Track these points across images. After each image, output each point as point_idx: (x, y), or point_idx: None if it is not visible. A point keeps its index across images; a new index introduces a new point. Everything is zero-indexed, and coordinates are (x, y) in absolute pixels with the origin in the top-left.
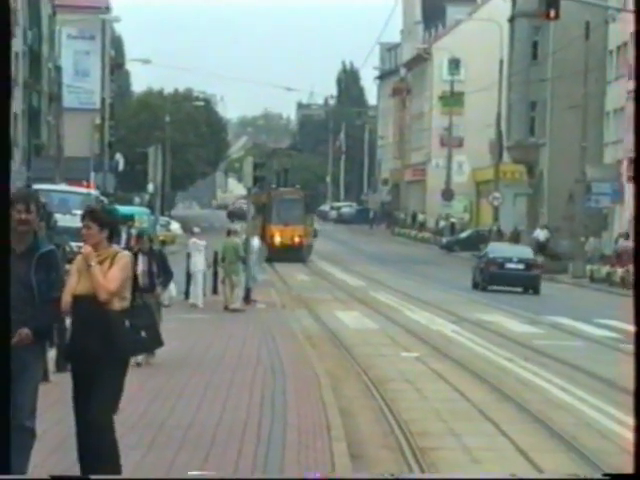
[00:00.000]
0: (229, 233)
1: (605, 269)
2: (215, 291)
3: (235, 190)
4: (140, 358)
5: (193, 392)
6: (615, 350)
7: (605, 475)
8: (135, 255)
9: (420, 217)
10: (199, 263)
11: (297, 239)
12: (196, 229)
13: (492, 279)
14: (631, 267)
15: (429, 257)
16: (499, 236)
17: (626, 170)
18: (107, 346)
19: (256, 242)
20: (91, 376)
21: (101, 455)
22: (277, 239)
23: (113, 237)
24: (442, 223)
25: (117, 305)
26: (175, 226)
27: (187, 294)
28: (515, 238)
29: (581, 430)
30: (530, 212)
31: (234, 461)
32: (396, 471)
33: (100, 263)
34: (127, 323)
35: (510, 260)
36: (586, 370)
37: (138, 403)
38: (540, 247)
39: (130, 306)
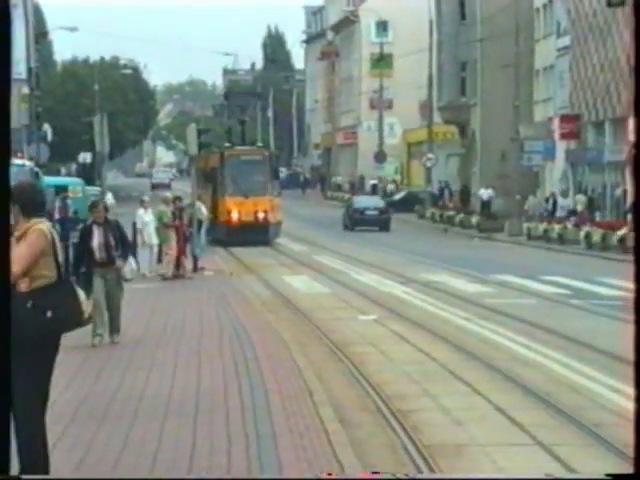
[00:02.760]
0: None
1: (542, 226)
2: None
3: (164, 158)
4: (98, 339)
5: (164, 362)
6: (567, 305)
7: (607, 475)
8: (90, 227)
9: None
10: (153, 235)
11: (262, 215)
12: (146, 198)
13: (357, 222)
14: (568, 225)
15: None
16: (434, 197)
17: (558, 127)
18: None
19: (203, 209)
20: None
21: (22, 447)
22: (234, 215)
23: (29, 211)
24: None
25: (23, 286)
26: (109, 196)
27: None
28: (465, 196)
29: (553, 386)
30: (462, 172)
31: (224, 429)
32: (383, 434)
33: (17, 240)
34: (30, 304)
35: (368, 208)
36: (544, 327)
37: (110, 376)
38: (483, 206)
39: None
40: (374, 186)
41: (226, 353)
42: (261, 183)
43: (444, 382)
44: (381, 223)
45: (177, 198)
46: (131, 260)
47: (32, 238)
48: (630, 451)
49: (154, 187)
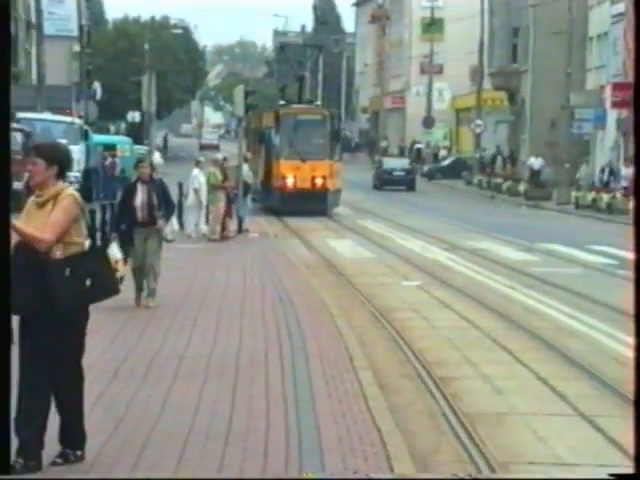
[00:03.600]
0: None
1: (591, 195)
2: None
3: (211, 119)
4: (144, 300)
5: (205, 324)
6: (613, 276)
7: (611, 475)
8: (134, 184)
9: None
10: (204, 195)
11: (320, 181)
12: (202, 158)
13: (385, 182)
14: (618, 194)
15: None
16: (483, 164)
17: (609, 95)
18: (44, 300)
19: (245, 169)
20: (33, 336)
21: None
22: (289, 181)
23: (63, 175)
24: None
25: (58, 253)
26: (156, 155)
27: (181, 225)
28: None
29: (597, 357)
30: (511, 139)
31: (263, 392)
32: (422, 401)
33: (43, 205)
34: (67, 272)
35: (395, 169)
36: (590, 297)
37: (152, 336)
38: (533, 174)
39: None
40: (419, 150)
41: (268, 316)
42: (320, 146)
43: (486, 350)
44: (408, 183)
45: (224, 159)
46: (174, 221)
47: (67, 204)
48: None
49: (202, 148)
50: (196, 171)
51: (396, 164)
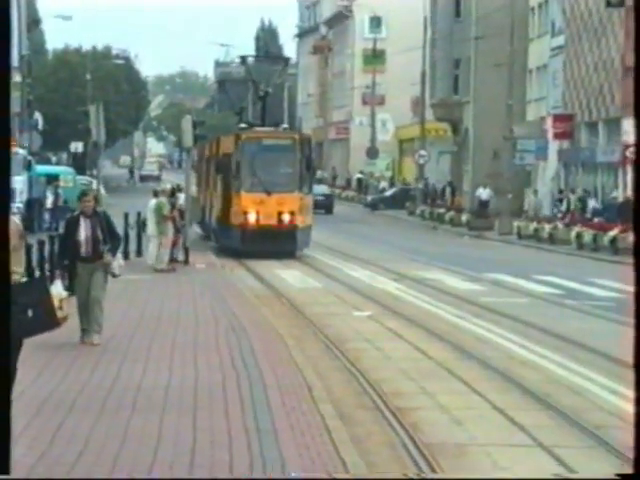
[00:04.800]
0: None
1: (533, 225)
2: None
3: (154, 149)
4: (88, 337)
5: (160, 355)
6: (560, 306)
7: (617, 475)
8: (77, 218)
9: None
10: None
11: (288, 217)
12: (159, 188)
13: None
14: (559, 224)
15: (355, 215)
16: (425, 194)
17: (550, 127)
18: None
19: (182, 198)
20: None
21: None
22: (252, 217)
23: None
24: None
25: None
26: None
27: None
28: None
29: (551, 387)
30: (454, 170)
31: (224, 424)
32: (382, 432)
33: None
34: None
35: (316, 194)
36: (539, 326)
37: (106, 369)
38: (482, 205)
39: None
40: (359, 180)
41: (222, 346)
42: (288, 175)
43: (441, 380)
44: (326, 206)
45: (178, 189)
46: (119, 255)
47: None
48: (632, 454)
49: (143, 179)
50: (154, 201)
51: (316, 190)
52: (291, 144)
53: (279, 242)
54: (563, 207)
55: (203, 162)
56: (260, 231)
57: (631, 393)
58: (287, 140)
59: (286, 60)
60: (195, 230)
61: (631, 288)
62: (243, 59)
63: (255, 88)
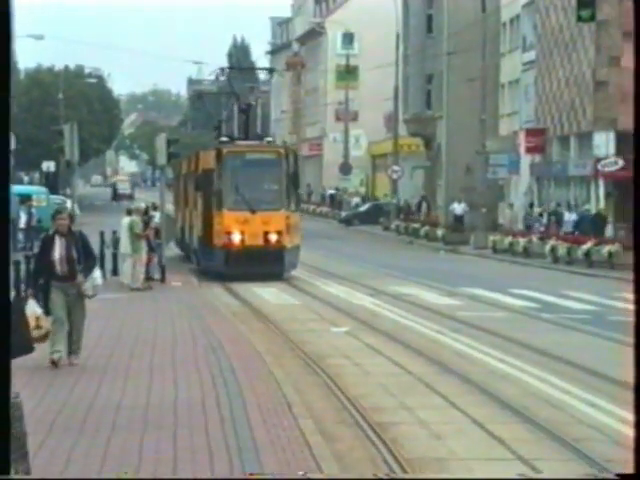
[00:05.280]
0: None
1: (508, 239)
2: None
3: (126, 168)
4: (58, 355)
5: (138, 373)
6: (537, 319)
7: (617, 475)
8: (52, 237)
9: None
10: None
11: (275, 237)
12: (132, 206)
13: None
14: (534, 238)
15: (330, 231)
16: (399, 209)
17: (523, 141)
18: None
19: (157, 216)
20: None
21: None
22: (236, 237)
23: None
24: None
25: None
26: (71, 205)
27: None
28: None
29: (530, 400)
30: (428, 185)
31: (205, 442)
32: (363, 447)
33: None
34: None
35: None
36: (517, 340)
37: (85, 389)
38: (457, 220)
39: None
40: (332, 196)
41: (201, 364)
42: (274, 192)
43: (421, 395)
44: None
45: (153, 207)
46: (96, 274)
47: None
48: (611, 466)
49: (115, 198)
50: (128, 219)
51: None
52: (276, 158)
53: (265, 264)
54: (544, 221)
55: (180, 179)
56: (245, 252)
57: (609, 406)
58: (272, 154)
59: (236, 95)
60: (174, 249)
61: (607, 301)
62: (222, 70)
63: (236, 100)
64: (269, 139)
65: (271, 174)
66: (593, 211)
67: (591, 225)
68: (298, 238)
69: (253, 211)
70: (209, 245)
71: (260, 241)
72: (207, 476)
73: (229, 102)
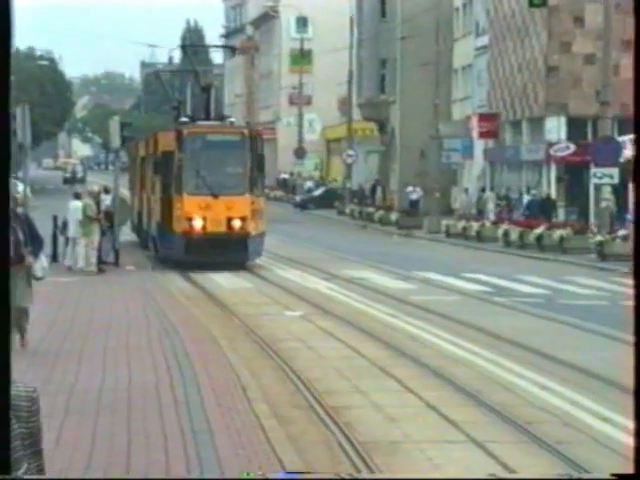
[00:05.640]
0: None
1: (461, 224)
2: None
3: (79, 151)
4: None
5: (92, 356)
6: (490, 303)
7: (617, 475)
8: None
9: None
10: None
11: (238, 223)
12: (80, 191)
13: None
14: (487, 222)
15: (285, 215)
16: (353, 193)
17: (476, 126)
18: None
19: (109, 199)
20: None
21: None
22: (197, 224)
23: None
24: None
25: None
26: (19, 188)
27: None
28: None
29: (483, 384)
30: (382, 169)
31: (159, 426)
32: (318, 431)
33: None
34: None
35: None
36: (470, 324)
37: (36, 373)
38: (412, 204)
39: None
40: (285, 180)
41: (155, 348)
42: (238, 176)
43: (375, 379)
44: None
45: (105, 191)
46: (43, 257)
47: None
48: (563, 449)
49: (66, 181)
50: (77, 203)
51: None
52: (240, 140)
53: (228, 252)
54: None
55: (137, 162)
56: (207, 240)
57: (559, 388)
58: (236, 135)
59: (195, 73)
60: (130, 234)
61: (558, 285)
62: (184, 48)
63: (195, 79)
64: (232, 120)
65: (234, 156)
66: (542, 195)
67: (540, 209)
68: (263, 225)
69: (215, 196)
70: (168, 232)
71: (223, 228)
72: (162, 461)
73: (187, 82)
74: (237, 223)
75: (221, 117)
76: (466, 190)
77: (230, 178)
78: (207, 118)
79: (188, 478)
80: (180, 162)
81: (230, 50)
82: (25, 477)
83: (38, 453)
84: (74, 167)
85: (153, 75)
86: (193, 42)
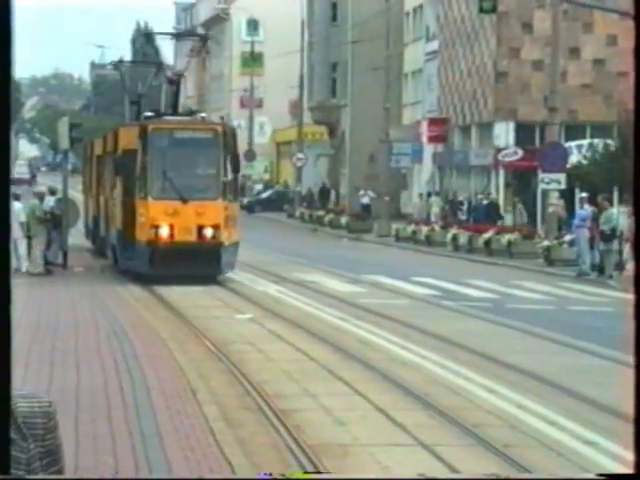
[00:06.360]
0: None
1: (410, 228)
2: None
3: (27, 152)
4: None
5: (40, 359)
6: (438, 307)
7: (600, 475)
8: None
9: None
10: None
11: (210, 231)
12: (19, 192)
13: None
14: (435, 227)
15: None
16: (302, 197)
17: (426, 130)
18: None
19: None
20: None
21: None
22: (163, 232)
23: None
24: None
25: None
26: None
27: None
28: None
29: (431, 387)
30: (332, 172)
31: (107, 428)
32: (267, 434)
33: None
34: None
35: None
36: (418, 327)
37: None
38: (364, 208)
39: None
40: None
41: (104, 351)
42: (210, 178)
43: (324, 382)
44: None
45: (51, 192)
46: None
47: None
48: (510, 452)
49: (13, 183)
50: (17, 204)
51: None
52: (212, 137)
53: (199, 264)
54: (465, 209)
55: (93, 162)
56: (174, 250)
57: (507, 391)
58: (207, 132)
59: (159, 65)
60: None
61: (506, 289)
62: (147, 37)
63: (160, 71)
64: (202, 115)
65: (206, 156)
66: (485, 201)
67: (484, 214)
68: (237, 233)
69: (185, 200)
70: (130, 241)
71: (193, 237)
72: (110, 463)
73: (146, 76)
74: (209, 232)
75: (190, 112)
76: (420, 195)
77: (201, 180)
78: (175, 113)
79: (190, 478)
80: (144, 162)
81: (200, 39)
82: (27, 477)
83: (59, 472)
84: (20, 168)
85: (112, 66)
86: (143, 43)
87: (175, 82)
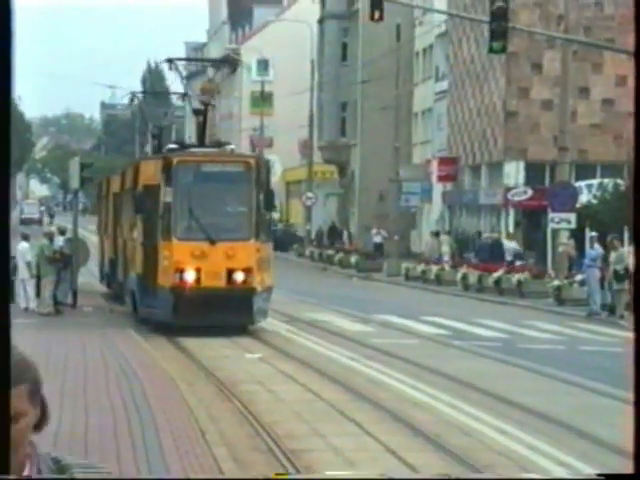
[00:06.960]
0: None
1: (420, 267)
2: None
3: (38, 191)
4: None
5: (48, 399)
6: (448, 346)
7: (600, 475)
8: None
9: None
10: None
11: (241, 276)
12: (27, 232)
13: None
14: (446, 266)
15: None
16: (315, 236)
17: (435, 169)
18: None
19: (61, 240)
20: None
21: None
22: (189, 276)
23: None
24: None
25: None
26: None
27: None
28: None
29: (441, 427)
30: (341, 212)
31: (116, 469)
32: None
33: None
34: None
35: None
36: (429, 367)
37: None
38: (376, 248)
39: None
40: None
41: (114, 391)
42: (241, 216)
43: (334, 422)
44: None
45: (60, 232)
46: None
47: None
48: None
49: (23, 222)
50: (25, 244)
51: None
52: (244, 171)
53: (228, 313)
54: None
55: (109, 200)
56: (201, 297)
57: (516, 432)
58: (238, 165)
59: (184, 94)
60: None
61: (516, 328)
62: (170, 61)
63: (186, 100)
64: (232, 146)
65: (237, 191)
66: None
67: (489, 253)
68: (270, 277)
69: (213, 241)
70: (152, 286)
71: (222, 282)
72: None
73: (167, 110)
74: (240, 276)
75: (218, 144)
76: (432, 233)
77: (231, 219)
78: (201, 145)
79: (189, 478)
80: (168, 199)
81: (229, 65)
82: (31, 477)
83: None
84: (31, 208)
85: (130, 96)
86: (153, 83)
87: (202, 112)
